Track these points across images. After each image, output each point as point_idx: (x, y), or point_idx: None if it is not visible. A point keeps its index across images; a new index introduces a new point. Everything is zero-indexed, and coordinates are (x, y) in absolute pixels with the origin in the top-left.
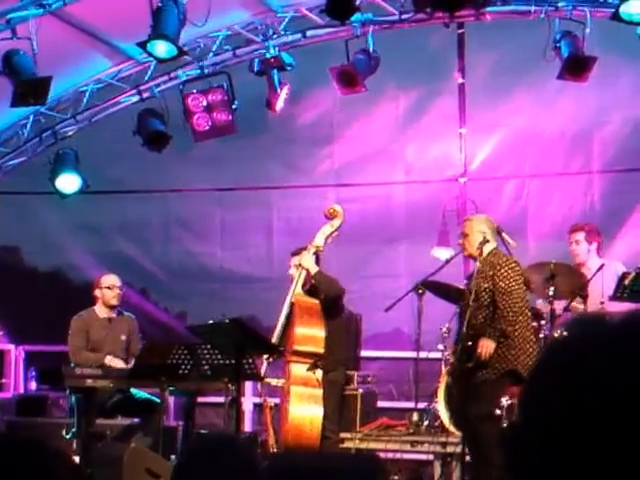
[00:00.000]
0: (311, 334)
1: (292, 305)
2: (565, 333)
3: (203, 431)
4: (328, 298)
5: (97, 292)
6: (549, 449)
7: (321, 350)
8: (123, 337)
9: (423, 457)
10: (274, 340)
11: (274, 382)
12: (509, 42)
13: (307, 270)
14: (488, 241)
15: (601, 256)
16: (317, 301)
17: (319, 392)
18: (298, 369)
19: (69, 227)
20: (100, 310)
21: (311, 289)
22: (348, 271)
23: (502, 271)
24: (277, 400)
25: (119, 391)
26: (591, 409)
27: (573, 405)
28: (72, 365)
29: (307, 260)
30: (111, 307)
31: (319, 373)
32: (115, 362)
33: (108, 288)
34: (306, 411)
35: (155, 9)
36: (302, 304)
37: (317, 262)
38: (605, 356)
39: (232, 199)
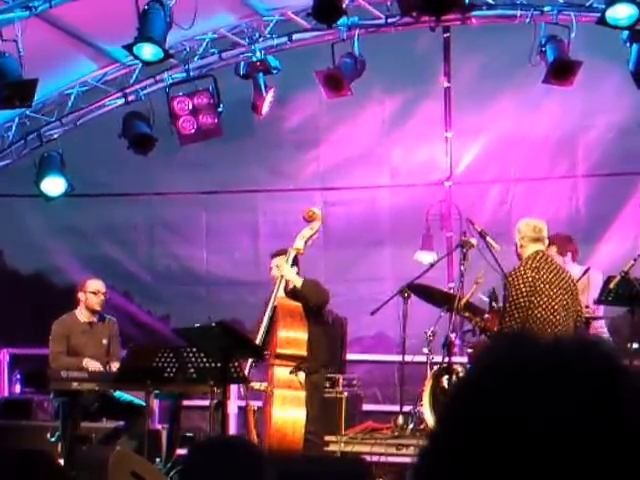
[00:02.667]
0: (294, 337)
1: (275, 308)
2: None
3: (189, 434)
4: (318, 306)
5: (81, 295)
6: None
7: (303, 353)
8: (105, 341)
9: (408, 460)
10: (257, 343)
11: (257, 386)
12: (495, 46)
13: (292, 282)
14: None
15: (585, 259)
16: (299, 304)
17: (302, 395)
18: (281, 372)
19: (53, 230)
20: (82, 314)
21: (293, 290)
22: (333, 274)
23: (508, 279)
24: (260, 403)
25: (104, 394)
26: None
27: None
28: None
29: (289, 272)
30: (94, 312)
31: (301, 376)
32: (92, 364)
33: (93, 293)
34: (289, 414)
35: (141, 12)
36: (285, 307)
37: (297, 264)
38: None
39: (218, 202)
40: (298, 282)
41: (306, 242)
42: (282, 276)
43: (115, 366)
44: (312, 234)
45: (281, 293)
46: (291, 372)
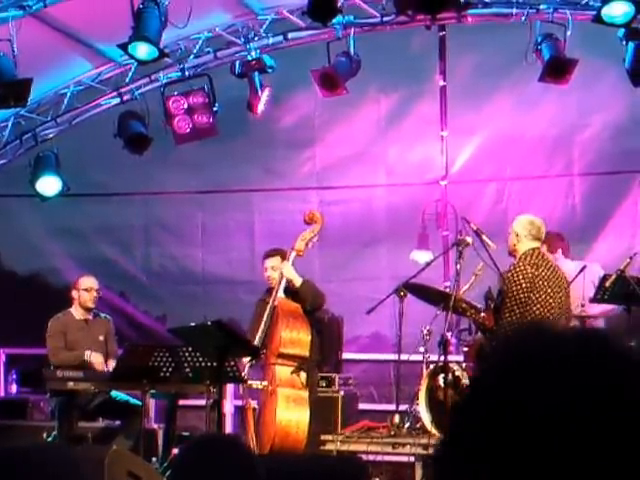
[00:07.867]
0: (297, 337)
1: (274, 309)
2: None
3: (185, 434)
4: (313, 308)
5: (74, 293)
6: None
7: (306, 353)
8: (101, 338)
9: (404, 459)
10: (256, 343)
11: (255, 384)
12: (490, 45)
13: (292, 281)
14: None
15: (582, 258)
16: (299, 305)
17: (305, 394)
18: (283, 371)
19: (49, 230)
20: (76, 312)
21: (291, 290)
22: (329, 273)
23: (507, 275)
24: (256, 402)
25: (100, 393)
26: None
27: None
28: (52, 367)
29: (289, 271)
30: (87, 309)
31: (303, 376)
32: (95, 356)
33: (85, 290)
34: (292, 413)
35: (136, 11)
36: (286, 308)
37: (293, 265)
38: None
39: (213, 202)
40: (298, 281)
41: (306, 244)
42: (282, 275)
43: (112, 364)
44: (312, 236)
45: (281, 294)
46: (292, 372)
